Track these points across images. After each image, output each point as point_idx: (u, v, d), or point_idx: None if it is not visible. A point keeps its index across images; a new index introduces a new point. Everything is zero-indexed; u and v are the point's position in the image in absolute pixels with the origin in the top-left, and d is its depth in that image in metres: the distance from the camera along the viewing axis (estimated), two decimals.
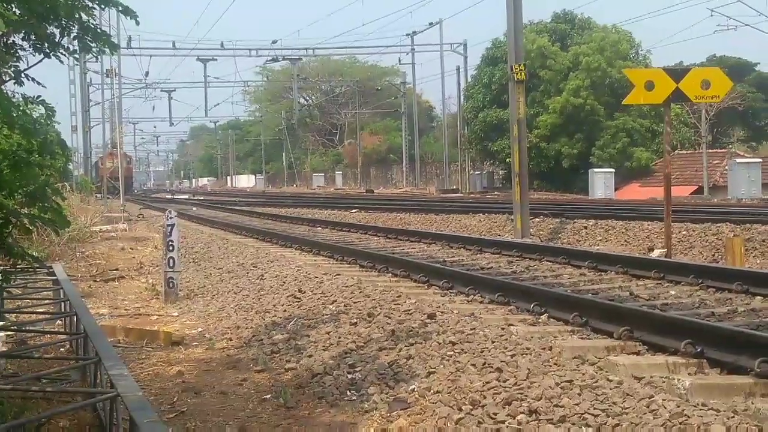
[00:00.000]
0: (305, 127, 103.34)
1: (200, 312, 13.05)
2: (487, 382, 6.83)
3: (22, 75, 5.98)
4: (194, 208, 42.19)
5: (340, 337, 9.36)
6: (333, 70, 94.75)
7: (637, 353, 7.66)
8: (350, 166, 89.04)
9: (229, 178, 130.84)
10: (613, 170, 44.85)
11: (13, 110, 5.67)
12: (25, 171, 6.06)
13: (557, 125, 49.70)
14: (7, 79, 5.88)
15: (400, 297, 10.83)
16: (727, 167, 41.75)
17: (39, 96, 5.93)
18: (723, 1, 48.17)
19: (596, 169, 44.85)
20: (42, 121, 6.25)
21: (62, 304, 9.25)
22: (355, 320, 9.94)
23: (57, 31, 6.00)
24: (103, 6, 6.19)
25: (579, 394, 6.25)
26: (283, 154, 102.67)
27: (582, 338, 8.36)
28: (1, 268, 6.66)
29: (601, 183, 43.00)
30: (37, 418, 5.92)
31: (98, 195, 45.04)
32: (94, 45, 6.28)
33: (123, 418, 5.73)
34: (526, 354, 7.45)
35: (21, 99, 5.92)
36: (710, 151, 45.28)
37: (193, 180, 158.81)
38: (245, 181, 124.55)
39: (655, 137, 47.94)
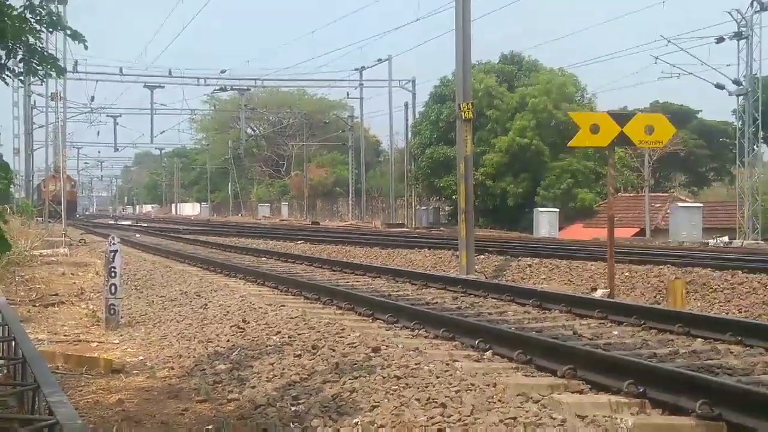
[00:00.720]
0: (252, 157, 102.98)
1: (142, 340, 12.88)
2: (432, 417, 6.82)
3: None
4: (138, 235, 41.77)
5: (284, 369, 9.30)
6: (281, 101, 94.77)
7: (581, 392, 7.69)
8: (296, 198, 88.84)
9: (173, 205, 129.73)
10: (557, 210, 45.27)
11: None
12: None
13: (503, 164, 50.15)
14: None
15: (345, 330, 10.80)
16: (668, 211, 42.36)
17: None
18: (667, 50, 49.30)
19: (541, 209, 45.24)
20: None
21: (1, 328, 9.06)
22: (300, 352, 9.89)
23: (2, 53, 5.93)
24: (51, 30, 6.14)
25: (523, 431, 6.26)
26: (229, 183, 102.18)
27: (526, 375, 8.38)
28: None
29: (545, 222, 43.36)
30: None
31: (39, 218, 44.35)
32: (40, 68, 6.20)
33: None
34: (471, 390, 7.45)
35: None
36: (652, 194, 45.91)
37: (137, 206, 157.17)
38: (190, 209, 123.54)
39: (599, 179, 48.54)
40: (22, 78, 6.31)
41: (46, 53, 6.03)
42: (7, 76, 5.88)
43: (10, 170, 6.47)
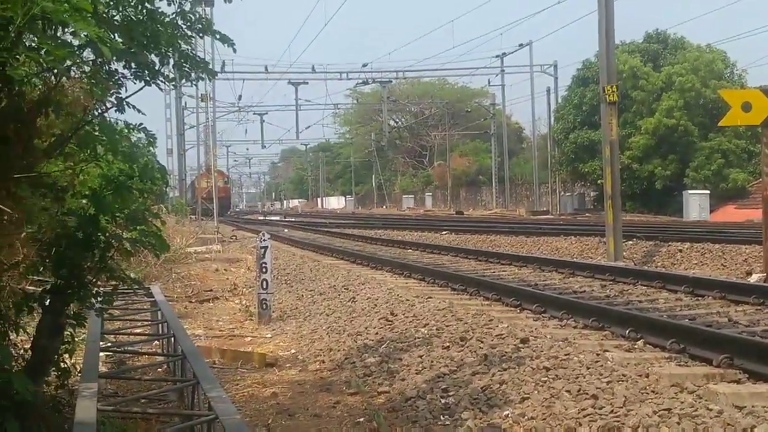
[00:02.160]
0: (395, 148, 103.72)
1: (293, 334, 13.17)
2: (583, 409, 6.75)
3: (124, 102, 6.11)
4: (286, 230, 42.63)
5: (432, 361, 9.35)
6: (423, 92, 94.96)
7: (738, 382, 7.44)
8: (440, 188, 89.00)
9: (319, 199, 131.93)
10: (708, 192, 43.87)
11: (116, 137, 5.82)
12: (126, 196, 6.22)
13: (650, 146, 48.91)
14: (110, 106, 6.03)
15: (492, 321, 10.78)
16: None
17: (141, 123, 6.08)
18: None
19: (690, 191, 43.95)
20: (140, 146, 6.41)
21: (160, 325, 9.43)
22: (448, 344, 9.92)
23: (157, 60, 6.14)
24: (202, 35, 6.32)
25: (678, 423, 6.13)
26: (373, 175, 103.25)
27: (680, 365, 8.17)
28: (102, 290, 6.81)
29: (695, 205, 42.12)
30: None
31: (192, 216, 45.83)
32: (192, 72, 6.41)
33: None
34: (623, 381, 7.33)
35: (123, 126, 6.06)
36: None
37: (284, 201, 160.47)
38: (335, 203, 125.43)
39: (752, 158, 46.78)
40: (174, 83, 6.52)
41: (198, 58, 6.21)
42: (161, 81, 6.08)
43: (167, 172, 6.72)
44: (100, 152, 6.04)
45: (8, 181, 5.42)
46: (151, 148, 6.37)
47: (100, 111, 5.99)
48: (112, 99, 6.04)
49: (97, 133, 5.96)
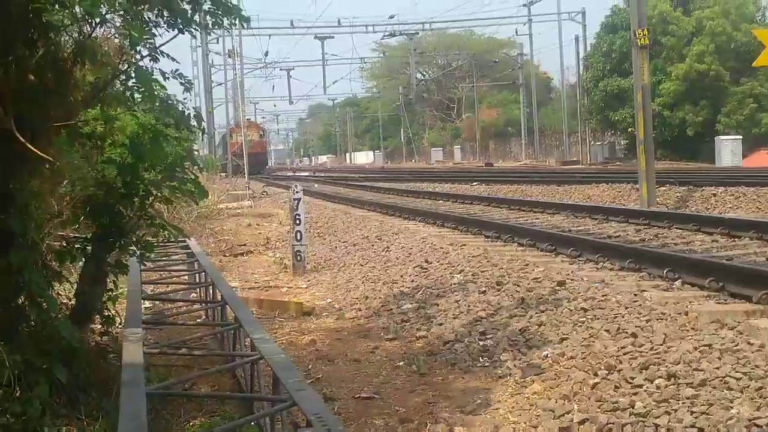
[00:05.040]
0: (422, 102, 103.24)
1: (328, 284, 13.23)
2: (623, 347, 6.77)
3: (158, 51, 6.12)
4: (316, 185, 42.69)
5: (469, 306, 9.38)
6: (449, 43, 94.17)
7: None
8: (469, 140, 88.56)
9: (347, 154, 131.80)
10: (740, 137, 43.33)
11: (152, 84, 5.84)
12: (163, 143, 6.25)
13: (681, 92, 48.30)
14: (145, 55, 6.04)
15: (528, 265, 10.80)
16: None
17: (177, 70, 6.09)
18: None
19: (723, 137, 43.43)
20: (174, 97, 6.44)
21: (198, 275, 9.51)
22: (484, 289, 9.95)
23: (189, 7, 6.14)
24: None
25: (719, 358, 6.13)
26: (401, 129, 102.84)
27: (719, 303, 8.15)
28: (142, 240, 6.86)
29: (727, 150, 41.60)
30: (181, 382, 6.12)
31: (223, 174, 45.87)
32: (224, 19, 6.41)
33: (264, 383, 5.89)
34: (662, 319, 7.34)
35: (159, 74, 6.08)
36: None
37: (313, 158, 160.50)
38: (363, 158, 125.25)
39: None
40: (208, 30, 6.52)
41: (230, 4, 6.21)
42: (195, 29, 6.08)
43: (203, 120, 6.75)
44: (137, 100, 6.07)
45: (48, 130, 5.47)
46: (187, 95, 6.39)
47: (135, 60, 6.01)
48: (146, 48, 6.05)
49: (133, 82, 5.99)
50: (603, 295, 8.50)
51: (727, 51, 47.25)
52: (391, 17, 64.81)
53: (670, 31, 49.29)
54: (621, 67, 49.81)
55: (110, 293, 6.97)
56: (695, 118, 47.93)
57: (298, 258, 14.52)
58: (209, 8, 6.26)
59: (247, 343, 6.35)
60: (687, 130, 48.43)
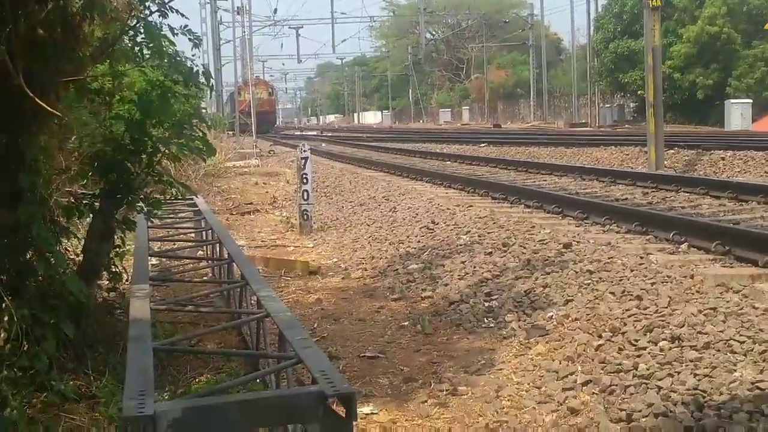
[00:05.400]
0: (431, 62, 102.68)
1: (335, 243, 13.26)
2: (627, 310, 6.79)
3: (167, 6, 6.09)
4: (323, 144, 42.64)
5: (475, 267, 9.41)
6: (459, 3, 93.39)
7: None
8: (477, 101, 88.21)
9: (355, 114, 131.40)
10: (750, 101, 43.05)
11: (161, 40, 5.82)
12: (171, 100, 6.24)
13: (692, 55, 47.98)
14: (154, 10, 6.02)
15: (534, 227, 10.81)
16: None
17: (186, 26, 6.07)
18: None
19: (733, 100, 43.16)
20: (182, 54, 6.41)
21: (204, 233, 9.53)
22: (490, 250, 9.97)
23: None
24: None
25: (723, 321, 6.15)
26: (410, 90, 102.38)
27: (725, 266, 8.18)
28: (150, 196, 6.87)
29: (737, 114, 41.35)
30: (187, 338, 6.15)
31: (231, 132, 45.76)
32: None
33: (270, 340, 5.94)
34: (667, 282, 7.36)
35: (168, 30, 6.06)
36: None
37: (321, 117, 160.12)
38: (372, 118, 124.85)
39: None
40: None
41: None
42: None
43: (212, 77, 6.73)
44: (146, 57, 6.06)
45: (57, 85, 5.46)
46: (196, 52, 6.37)
47: (143, 15, 5.99)
48: (156, 3, 6.03)
49: (142, 38, 5.98)
50: (609, 258, 8.51)
51: (739, 14, 46.90)
52: None
53: None
54: (632, 29, 49.53)
55: (117, 249, 7.00)
56: (706, 81, 47.64)
57: (305, 217, 14.55)
58: None
59: (253, 301, 6.38)
60: (697, 93, 48.16)
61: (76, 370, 5.50)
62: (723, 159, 20.26)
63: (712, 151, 21.42)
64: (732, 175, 18.23)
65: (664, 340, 6.02)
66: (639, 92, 46.16)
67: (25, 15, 4.98)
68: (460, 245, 10.65)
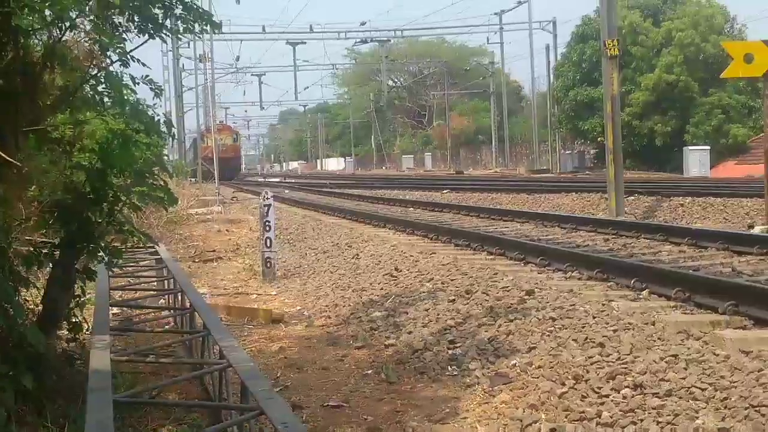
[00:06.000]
0: (394, 109, 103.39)
1: (298, 291, 13.21)
2: (590, 357, 6.79)
3: (128, 56, 6.10)
4: (286, 191, 42.61)
5: (438, 314, 9.39)
6: (421, 51, 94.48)
7: (744, 327, 7.49)
8: (439, 148, 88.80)
9: (318, 161, 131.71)
10: (708, 148, 43.71)
11: (122, 89, 5.81)
12: (132, 149, 6.22)
13: (650, 103, 48.77)
14: (114, 60, 6.02)
15: (497, 274, 10.82)
16: None
17: (147, 76, 6.07)
18: None
19: (691, 147, 43.81)
20: (144, 102, 6.40)
21: (166, 281, 9.46)
22: (453, 297, 9.96)
23: (160, 13, 6.13)
24: None
25: (685, 368, 6.17)
26: (372, 136, 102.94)
27: (685, 313, 8.23)
28: (111, 246, 6.82)
29: (695, 161, 41.98)
30: (148, 389, 6.08)
31: (192, 179, 45.61)
32: (196, 24, 6.39)
33: (233, 391, 5.87)
34: (629, 329, 7.38)
35: (129, 79, 6.05)
36: None
37: (284, 163, 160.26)
38: (335, 164, 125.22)
39: (752, 113, 46.70)
40: (179, 35, 6.52)
41: (201, 9, 6.21)
42: (165, 34, 6.08)
43: (174, 126, 6.72)
44: (107, 105, 6.04)
45: (16, 134, 5.43)
46: (157, 100, 6.37)
47: (104, 65, 5.98)
48: (116, 53, 6.03)
49: (103, 87, 5.97)
50: (571, 305, 8.53)
51: (696, 62, 47.77)
52: (363, 24, 64.81)
53: (639, 42, 49.86)
54: (591, 77, 50.31)
55: (78, 299, 6.92)
56: (664, 128, 48.41)
57: (268, 265, 14.49)
58: (181, 14, 6.25)
59: (215, 351, 6.33)
60: (656, 139, 48.90)
61: (36, 423, 5.41)
62: (682, 205, 20.51)
63: (671, 198, 21.69)
64: (691, 222, 18.44)
65: (626, 387, 6.03)
66: (599, 139, 46.71)
67: None
68: (424, 292, 10.65)
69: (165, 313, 9.62)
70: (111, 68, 6.03)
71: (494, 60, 76.87)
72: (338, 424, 6.56)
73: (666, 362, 6.33)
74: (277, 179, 73.18)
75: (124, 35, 6.16)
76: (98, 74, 5.90)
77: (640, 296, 9.15)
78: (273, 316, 11.00)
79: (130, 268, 10.49)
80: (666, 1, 53.02)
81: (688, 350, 6.57)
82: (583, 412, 5.81)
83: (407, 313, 9.82)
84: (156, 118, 6.34)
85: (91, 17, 5.48)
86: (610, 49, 20.13)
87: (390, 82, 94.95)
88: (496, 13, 66.18)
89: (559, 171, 54.37)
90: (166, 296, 10.10)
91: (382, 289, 11.57)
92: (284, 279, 14.47)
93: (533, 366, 7.08)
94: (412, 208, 25.84)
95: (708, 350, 6.56)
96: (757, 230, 15.41)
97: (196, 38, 42.12)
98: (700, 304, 8.40)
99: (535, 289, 9.49)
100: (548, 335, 7.74)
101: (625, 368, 6.37)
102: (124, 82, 5.91)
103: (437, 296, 10.22)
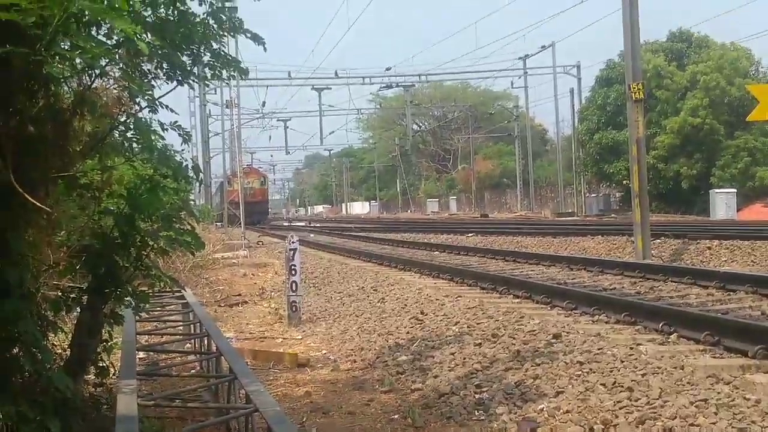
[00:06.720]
0: (418, 153, 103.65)
1: (323, 335, 13.20)
2: (618, 402, 6.74)
3: (157, 102, 6.16)
4: (312, 235, 42.70)
5: (465, 358, 9.35)
6: (445, 95, 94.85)
7: None
8: (464, 191, 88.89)
9: (343, 205, 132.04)
10: (734, 190, 43.50)
11: (151, 136, 5.87)
12: (160, 195, 6.26)
13: (675, 146, 48.68)
14: (143, 106, 6.08)
15: (524, 318, 10.78)
16: None
17: (175, 122, 6.13)
18: None
19: (717, 190, 43.60)
20: (171, 148, 6.45)
21: (192, 326, 9.48)
22: (479, 341, 9.93)
23: (189, 60, 6.20)
24: (233, 34, 6.38)
25: (715, 413, 6.11)
26: (397, 180, 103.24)
27: (715, 357, 8.16)
28: (139, 289, 6.84)
29: (722, 204, 41.74)
30: None
31: (218, 224, 45.75)
32: (224, 71, 6.46)
33: None
34: (657, 373, 7.32)
35: (158, 125, 6.11)
36: None
37: (309, 208, 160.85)
38: (359, 208, 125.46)
39: None
40: (207, 82, 6.59)
41: (230, 57, 6.28)
42: (194, 81, 6.15)
43: (201, 172, 6.76)
44: (136, 151, 6.10)
45: (46, 181, 5.48)
46: (185, 146, 6.42)
47: (133, 111, 6.05)
48: (145, 100, 6.09)
49: (132, 133, 6.03)
50: (599, 349, 8.48)
51: (721, 105, 47.71)
52: (388, 69, 65.08)
53: (664, 85, 49.83)
54: (616, 120, 50.31)
55: (105, 344, 6.93)
56: (690, 171, 48.25)
57: (294, 309, 14.49)
58: (209, 61, 6.32)
59: (241, 395, 6.32)
60: (682, 182, 48.71)
61: None
62: (709, 248, 20.37)
63: (699, 241, 21.55)
64: (719, 265, 18.31)
65: None
66: (624, 182, 46.63)
67: (15, 112, 5.02)
68: (450, 336, 10.61)
69: (191, 357, 9.64)
70: (140, 114, 6.09)
71: (518, 104, 77.09)
72: None
73: (696, 407, 6.28)
74: (303, 223, 73.27)
75: (152, 82, 6.21)
76: (127, 120, 5.96)
77: (669, 340, 9.09)
78: (299, 360, 10.98)
79: (156, 313, 10.51)
80: (690, 45, 53.08)
81: (718, 395, 6.51)
82: None
83: (433, 357, 9.78)
84: (183, 164, 6.39)
85: (121, 65, 5.55)
86: (635, 93, 20.12)
87: (414, 126, 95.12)
88: (520, 58, 66.37)
89: (584, 214, 54.21)
90: (193, 340, 10.11)
91: (407, 332, 11.54)
92: (310, 323, 14.46)
93: (561, 410, 7.02)
94: (437, 252, 25.82)
95: (738, 395, 6.50)
96: None
97: (223, 85, 42.59)
98: (729, 348, 8.33)
99: (563, 333, 9.45)
100: (576, 379, 7.69)
101: (655, 413, 6.32)
102: (152, 128, 5.96)
103: (463, 340, 10.19)
